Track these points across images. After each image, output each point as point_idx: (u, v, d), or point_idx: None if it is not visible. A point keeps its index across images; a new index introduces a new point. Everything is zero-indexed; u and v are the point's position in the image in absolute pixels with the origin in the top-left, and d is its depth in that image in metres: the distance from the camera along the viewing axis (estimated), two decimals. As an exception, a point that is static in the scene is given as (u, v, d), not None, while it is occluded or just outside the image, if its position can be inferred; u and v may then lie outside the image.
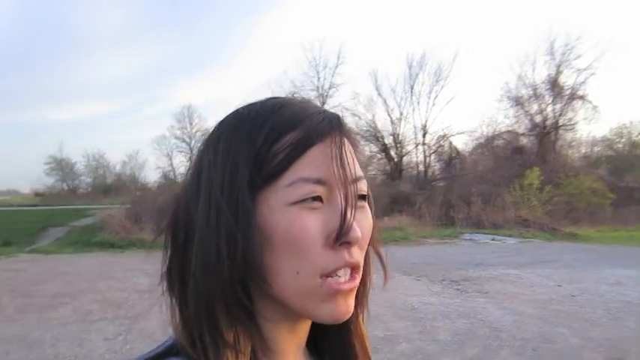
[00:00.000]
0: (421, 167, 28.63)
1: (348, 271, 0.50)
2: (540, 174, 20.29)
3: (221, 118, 0.54)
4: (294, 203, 0.48)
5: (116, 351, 4.77)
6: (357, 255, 0.50)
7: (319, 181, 0.48)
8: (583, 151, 31.50)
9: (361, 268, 0.52)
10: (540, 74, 28.09)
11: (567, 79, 27.50)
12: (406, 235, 15.47)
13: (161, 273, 0.53)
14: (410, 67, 28.19)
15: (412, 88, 28.08)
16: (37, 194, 47.81)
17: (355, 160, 0.52)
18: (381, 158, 28.96)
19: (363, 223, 0.51)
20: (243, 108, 0.53)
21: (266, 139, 0.49)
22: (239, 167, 0.48)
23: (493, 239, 15.77)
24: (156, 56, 64.40)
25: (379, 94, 28.99)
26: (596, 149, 32.33)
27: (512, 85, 29.08)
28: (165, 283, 0.53)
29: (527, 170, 20.77)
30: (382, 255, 0.58)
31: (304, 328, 0.56)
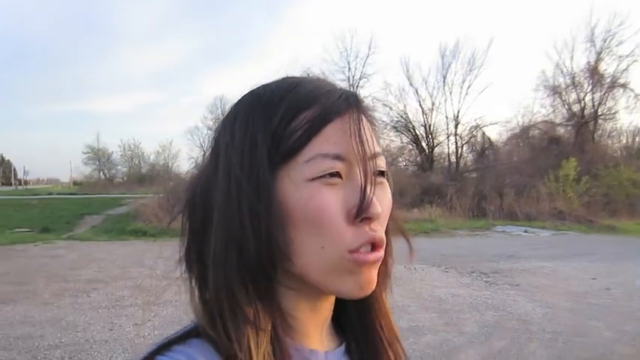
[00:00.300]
0: (453, 158, 28.16)
1: (369, 247, 0.49)
2: (577, 165, 19.65)
3: (237, 100, 0.55)
4: (313, 179, 0.48)
5: (145, 336, 4.89)
6: (379, 230, 0.50)
7: (338, 157, 0.48)
8: (624, 141, 30.32)
9: (384, 243, 0.51)
10: (579, 62, 27.24)
11: (608, 67, 26.48)
12: (436, 227, 15.28)
13: (179, 256, 0.54)
14: (443, 57, 27.68)
15: (445, 77, 27.58)
16: (75, 183, 49.55)
17: (373, 137, 0.52)
18: (412, 149, 28.64)
19: (382, 199, 0.51)
20: (258, 88, 0.54)
21: (283, 117, 0.49)
22: (257, 145, 0.48)
23: (526, 231, 15.41)
24: (191, 49, 65.57)
25: (411, 84, 28.56)
26: (638, 139, 31.03)
27: (550, 73, 28.20)
28: (183, 266, 0.54)
29: (563, 161, 20.15)
30: (404, 229, 0.58)
31: (327, 307, 0.56)
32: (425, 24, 52.31)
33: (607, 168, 21.14)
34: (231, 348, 0.46)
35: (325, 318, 0.57)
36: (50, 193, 31.80)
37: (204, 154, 0.55)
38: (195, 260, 0.52)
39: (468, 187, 20.19)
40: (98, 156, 47.76)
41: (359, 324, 0.61)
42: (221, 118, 0.55)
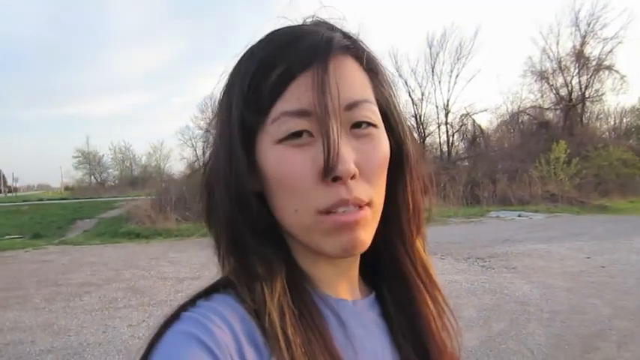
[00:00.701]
0: (445, 147, 28.21)
1: (350, 208, 0.46)
2: (567, 147, 19.76)
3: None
4: (281, 141, 0.46)
5: (139, 337, 4.80)
6: (359, 189, 0.46)
7: (301, 113, 0.45)
8: (612, 122, 30.54)
9: (370, 202, 0.48)
10: (565, 46, 27.46)
11: (593, 50, 26.64)
12: (430, 215, 15.25)
13: (203, 210, 0.54)
14: (430, 47, 27.62)
15: (433, 67, 27.54)
16: (66, 188, 49.20)
17: (354, 84, 0.48)
18: (401, 132, 28.58)
19: (366, 152, 0.47)
20: (249, 47, 0.51)
21: (252, 79, 0.47)
22: (232, 110, 0.48)
23: (520, 215, 15.48)
24: (180, 50, 65.10)
25: (400, 75, 28.48)
26: (625, 120, 31.27)
27: (536, 59, 28.34)
28: (204, 220, 0.54)
29: (553, 144, 20.24)
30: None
31: (345, 259, 0.53)
32: (412, 14, 52.30)
33: (596, 149, 21.29)
34: (248, 297, 0.47)
35: (348, 269, 0.55)
36: (41, 199, 31.43)
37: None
38: (212, 214, 0.53)
39: (461, 175, 20.21)
40: (89, 160, 47.38)
41: (393, 272, 0.58)
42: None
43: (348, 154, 0.45)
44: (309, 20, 0.53)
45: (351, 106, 0.47)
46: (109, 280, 7.51)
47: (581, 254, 8.37)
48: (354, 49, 0.50)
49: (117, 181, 46.34)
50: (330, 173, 0.45)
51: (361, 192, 0.47)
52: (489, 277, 6.92)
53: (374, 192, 0.48)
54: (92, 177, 47.93)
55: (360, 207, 0.47)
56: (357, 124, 0.47)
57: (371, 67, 0.51)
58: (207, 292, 0.50)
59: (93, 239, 13.04)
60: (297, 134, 0.46)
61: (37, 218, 17.40)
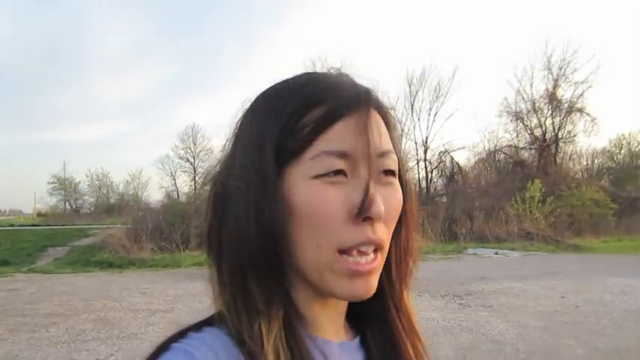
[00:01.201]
0: (423, 183, 28.52)
1: (371, 247, 0.49)
2: (542, 186, 20.20)
3: (262, 90, 0.56)
4: (317, 177, 0.48)
5: (107, 371, 4.63)
6: (382, 233, 0.50)
7: (342, 155, 0.48)
8: (584, 163, 31.48)
9: (385, 248, 0.51)
10: (538, 88, 28.26)
11: (565, 93, 27.71)
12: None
13: (202, 237, 0.55)
14: (410, 85, 28.27)
15: (412, 105, 28.12)
16: (39, 214, 47.86)
17: (384, 135, 0.52)
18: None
19: (389, 199, 0.50)
20: (278, 83, 0.54)
21: (293, 113, 0.50)
22: (266, 140, 0.49)
23: (496, 253, 15.61)
24: (161, 78, 65.09)
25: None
26: (597, 161, 32.24)
27: (511, 99, 29.25)
28: (205, 245, 0.55)
29: (528, 183, 20.67)
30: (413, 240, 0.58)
31: (339, 303, 0.56)
32: (392, 51, 53.64)
33: (570, 189, 21.81)
34: (244, 334, 0.47)
35: (338, 312, 0.57)
36: (12, 225, 30.53)
37: (227, 141, 0.56)
38: (216, 243, 0.52)
39: (439, 211, 20.39)
40: (64, 186, 46.29)
41: (378, 319, 0.60)
42: (244, 108, 0.56)
43: (380, 198, 0.48)
44: (332, 70, 0.57)
45: (383, 154, 0.51)
46: (78, 310, 7.27)
47: (555, 293, 8.44)
48: (379, 102, 0.54)
49: (92, 209, 45.37)
50: (364, 213, 0.47)
51: (383, 235, 0.50)
52: (466, 315, 6.91)
53: (388, 237, 0.52)
54: (67, 203, 46.89)
55: (375, 254, 0.50)
56: (385, 172, 0.51)
57: (389, 122, 0.55)
58: (199, 325, 0.51)
59: (64, 268, 12.67)
60: (336, 172, 0.48)
61: (6, 244, 16.83)
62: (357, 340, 0.59)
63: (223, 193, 0.52)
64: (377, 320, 0.60)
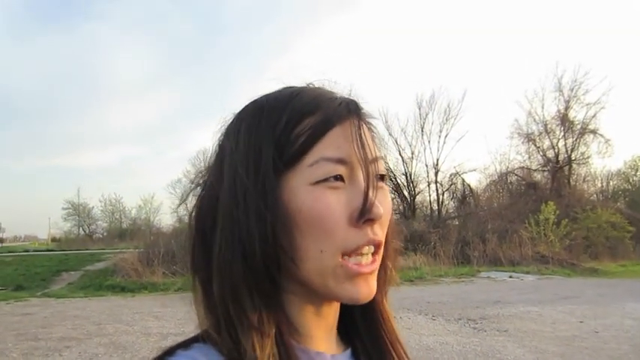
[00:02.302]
0: (435, 205, 28.34)
1: (372, 249, 0.51)
2: (556, 208, 19.92)
3: (239, 109, 0.56)
4: (317, 183, 0.49)
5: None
6: (380, 233, 0.52)
7: (341, 161, 0.50)
8: (599, 184, 31.06)
9: (382, 247, 0.53)
10: (550, 110, 28.07)
11: (577, 114, 27.44)
12: (421, 275, 15.11)
13: (188, 255, 0.55)
14: (420, 107, 28.33)
15: (422, 127, 28.11)
16: (53, 239, 48.24)
17: (373, 142, 0.55)
18: (394, 197, 28.76)
19: (382, 202, 0.52)
20: (261, 97, 0.55)
21: (287, 123, 0.50)
22: (262, 151, 0.50)
23: (511, 276, 15.35)
24: (172, 104, 66.11)
25: (390, 134, 29.09)
26: (612, 183, 31.82)
27: (522, 121, 29.04)
28: (189, 266, 0.55)
29: (542, 205, 20.43)
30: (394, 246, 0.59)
31: (331, 312, 0.56)
32: (401, 76, 54.02)
33: (585, 211, 21.48)
34: (236, 351, 0.47)
35: (331, 323, 0.57)
36: (27, 250, 30.77)
37: (209, 159, 0.56)
38: (203, 261, 0.52)
39: (451, 233, 20.20)
40: (78, 211, 46.79)
41: (364, 329, 0.61)
42: (224, 127, 0.56)
43: (378, 201, 0.50)
44: (311, 84, 0.58)
45: (376, 159, 0.53)
46: (90, 334, 7.27)
47: (573, 318, 8.27)
48: (365, 111, 0.56)
49: (105, 233, 45.66)
50: (365, 215, 0.49)
51: (381, 235, 0.52)
52: (481, 340, 6.79)
53: (383, 238, 0.53)
54: (80, 228, 47.29)
55: (374, 257, 0.52)
56: (378, 177, 0.53)
57: (373, 130, 0.57)
58: (187, 343, 0.51)
59: (77, 292, 12.71)
60: (336, 177, 0.50)
61: (21, 270, 16.95)
62: (348, 351, 0.60)
63: (211, 210, 0.52)
64: (364, 330, 0.61)
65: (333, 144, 0.50)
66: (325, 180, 0.49)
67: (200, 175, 0.58)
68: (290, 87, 0.56)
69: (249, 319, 0.48)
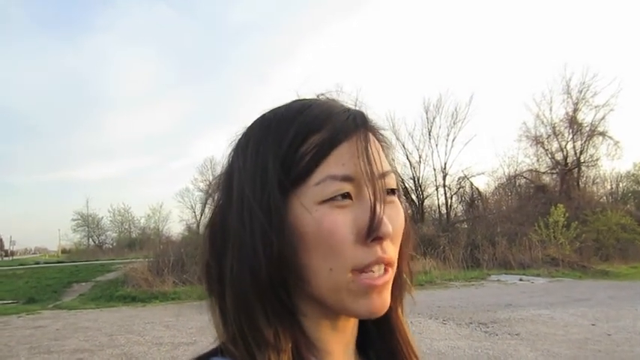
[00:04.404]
0: (443, 209, 28.24)
1: (382, 266, 0.50)
2: (565, 211, 19.78)
3: (249, 123, 0.56)
4: (324, 202, 0.48)
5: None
6: (390, 250, 0.50)
7: (347, 178, 0.49)
8: (608, 187, 30.77)
9: (395, 263, 0.52)
10: (558, 112, 27.91)
11: (586, 116, 27.26)
12: (431, 279, 15.05)
13: (200, 272, 0.55)
14: (427, 111, 28.31)
15: (430, 131, 28.07)
16: (63, 251, 48.53)
17: (382, 156, 0.53)
18: (403, 202, 28.51)
19: (393, 217, 0.51)
20: (269, 112, 0.55)
21: (292, 142, 0.50)
22: (268, 170, 0.49)
23: (521, 279, 15.25)
24: (179, 114, 66.58)
25: (397, 139, 29.04)
26: (621, 185, 31.53)
27: (531, 124, 28.90)
28: (204, 282, 0.54)
29: (551, 208, 20.29)
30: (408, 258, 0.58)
31: (348, 326, 0.56)
32: (408, 80, 54.08)
33: (595, 214, 21.29)
34: None
35: (349, 337, 0.57)
36: (37, 263, 30.96)
37: (220, 175, 0.56)
38: (216, 278, 0.52)
39: (460, 237, 20.11)
40: (87, 222, 47.08)
41: (381, 343, 0.60)
42: (234, 142, 0.56)
43: (386, 218, 0.49)
44: (322, 96, 0.58)
45: (384, 174, 0.52)
46: (102, 345, 7.32)
47: (585, 321, 8.20)
48: (373, 123, 0.55)
49: (115, 244, 45.84)
50: (373, 233, 0.48)
51: (391, 253, 0.51)
52: (493, 344, 6.76)
53: (396, 254, 0.52)
54: (90, 239, 47.56)
55: (386, 269, 0.51)
56: (387, 191, 0.52)
57: (384, 141, 0.56)
58: (206, 356, 0.51)
59: (88, 303, 12.78)
60: (343, 196, 0.49)
61: (32, 282, 17.10)
62: None
63: (222, 227, 0.52)
64: (380, 344, 0.60)
65: (339, 161, 0.49)
66: (332, 199, 0.48)
67: (212, 187, 0.58)
68: (299, 100, 0.55)
69: (264, 336, 0.48)
